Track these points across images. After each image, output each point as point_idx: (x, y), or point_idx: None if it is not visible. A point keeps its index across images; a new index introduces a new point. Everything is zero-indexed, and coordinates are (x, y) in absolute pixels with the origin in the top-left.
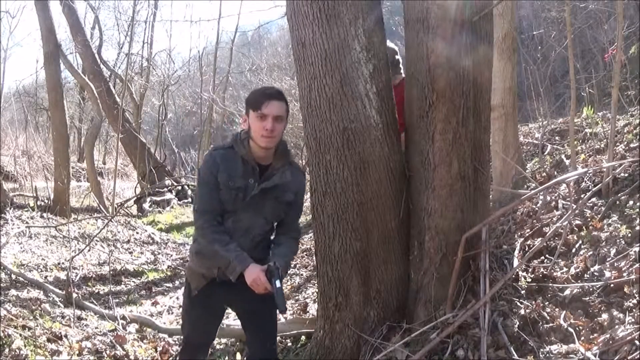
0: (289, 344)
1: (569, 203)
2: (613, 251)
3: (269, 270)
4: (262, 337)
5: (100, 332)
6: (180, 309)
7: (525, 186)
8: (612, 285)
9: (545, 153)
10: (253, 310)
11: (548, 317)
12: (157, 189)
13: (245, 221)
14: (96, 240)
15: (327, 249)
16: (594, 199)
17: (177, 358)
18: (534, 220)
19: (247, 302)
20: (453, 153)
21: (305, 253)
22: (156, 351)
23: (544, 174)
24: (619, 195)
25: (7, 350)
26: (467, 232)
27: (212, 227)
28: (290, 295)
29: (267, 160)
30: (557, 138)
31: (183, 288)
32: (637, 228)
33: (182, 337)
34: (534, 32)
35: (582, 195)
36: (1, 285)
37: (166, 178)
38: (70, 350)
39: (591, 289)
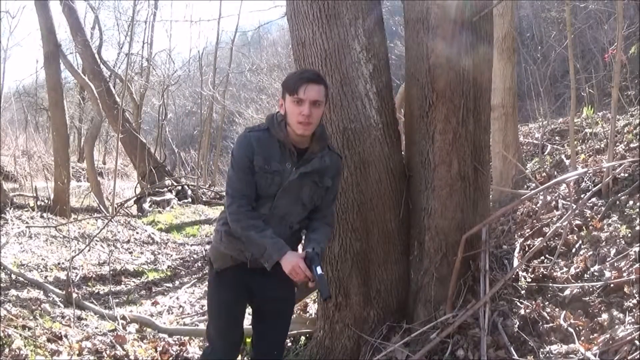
0: (289, 344)
1: (569, 203)
2: (613, 251)
3: (308, 256)
4: (270, 341)
5: (100, 332)
6: (181, 309)
7: (525, 186)
8: (612, 285)
9: (545, 153)
10: (270, 311)
11: (548, 317)
12: (157, 189)
13: (282, 208)
14: (96, 240)
15: (327, 249)
16: (594, 199)
17: (178, 359)
18: (534, 220)
19: (268, 300)
20: (453, 153)
21: None
22: (156, 351)
23: (544, 174)
24: (619, 195)
25: (7, 350)
26: (467, 232)
27: (247, 213)
28: None
29: (304, 143)
30: (557, 138)
31: (207, 275)
32: (637, 228)
33: (205, 338)
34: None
35: (582, 195)
36: (1, 285)
37: (166, 178)
38: (70, 350)
39: (591, 289)
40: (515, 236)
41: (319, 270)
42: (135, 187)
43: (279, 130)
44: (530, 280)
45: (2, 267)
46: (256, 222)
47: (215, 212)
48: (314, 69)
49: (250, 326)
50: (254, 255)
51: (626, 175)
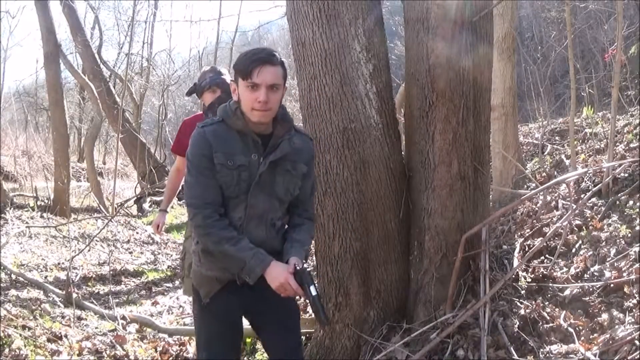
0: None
1: (569, 203)
2: (613, 251)
3: (298, 273)
4: (285, 349)
5: (100, 332)
6: (181, 309)
7: (525, 186)
8: (612, 285)
9: (545, 153)
10: (273, 321)
11: (548, 317)
12: (157, 189)
13: (259, 206)
14: (96, 240)
15: (327, 249)
16: (594, 199)
17: (178, 359)
18: (534, 220)
19: (267, 312)
20: (453, 153)
21: None
22: (156, 351)
23: (544, 174)
24: (619, 195)
25: (7, 350)
26: (467, 232)
27: (215, 224)
28: None
29: (266, 129)
30: (557, 138)
31: (191, 299)
32: (637, 228)
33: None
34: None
35: (582, 195)
36: (1, 285)
37: (166, 178)
38: (70, 350)
39: (591, 289)
40: (515, 236)
41: (313, 290)
42: (135, 187)
43: (235, 120)
44: (530, 280)
45: (2, 267)
46: (229, 233)
47: None
48: (268, 48)
49: (250, 326)
50: (232, 271)
51: (626, 175)
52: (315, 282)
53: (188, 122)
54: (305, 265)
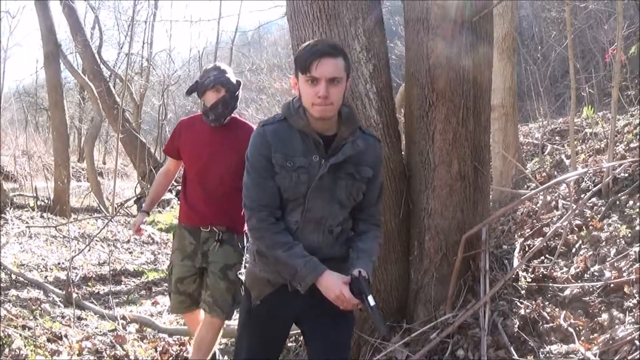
0: (289, 344)
1: (569, 203)
2: (613, 251)
3: (354, 282)
4: None
5: (100, 332)
6: None
7: (525, 186)
8: (612, 285)
9: (545, 153)
10: (323, 333)
11: (548, 317)
12: None
13: (317, 210)
14: (96, 240)
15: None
16: (594, 199)
17: (178, 359)
18: (534, 220)
19: (317, 322)
20: (453, 153)
21: None
22: (156, 351)
23: (544, 174)
24: (619, 195)
25: (7, 350)
26: (467, 232)
27: (270, 227)
28: None
29: (331, 130)
30: (557, 138)
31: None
32: (637, 228)
33: None
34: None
35: (582, 195)
36: (1, 285)
37: None
38: (70, 350)
39: (591, 289)
40: (515, 236)
41: (371, 300)
42: (135, 187)
43: (297, 119)
44: (530, 280)
45: (2, 267)
46: (283, 238)
47: None
48: (328, 39)
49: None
50: (286, 277)
51: (626, 175)
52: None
53: (184, 123)
54: (363, 274)
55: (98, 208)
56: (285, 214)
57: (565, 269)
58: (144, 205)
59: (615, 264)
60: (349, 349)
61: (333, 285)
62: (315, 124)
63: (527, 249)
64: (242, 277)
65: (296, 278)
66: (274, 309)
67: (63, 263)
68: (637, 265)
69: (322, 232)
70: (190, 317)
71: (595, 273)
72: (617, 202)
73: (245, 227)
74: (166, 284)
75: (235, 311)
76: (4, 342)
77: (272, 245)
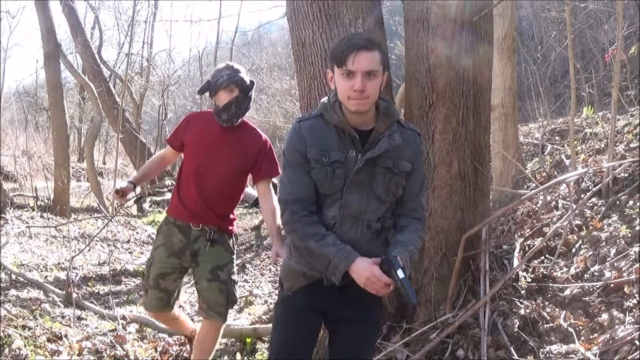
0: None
1: (569, 203)
2: (613, 251)
3: (383, 261)
4: None
5: (100, 332)
6: (180, 309)
7: (525, 186)
8: (612, 285)
9: (545, 153)
10: (347, 334)
11: (548, 317)
12: (157, 189)
13: (355, 205)
14: (96, 240)
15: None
16: (594, 199)
17: (178, 359)
18: (534, 220)
19: (343, 321)
20: (453, 153)
21: None
22: (156, 351)
23: (544, 174)
24: (619, 195)
25: (7, 350)
26: (467, 232)
27: (302, 219)
28: None
29: (367, 124)
30: (557, 138)
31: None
32: (637, 228)
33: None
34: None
35: (582, 195)
36: (1, 285)
37: (166, 178)
38: (70, 350)
39: (591, 289)
40: (515, 236)
41: (400, 273)
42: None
43: (333, 113)
44: (530, 280)
45: (2, 267)
46: (315, 229)
47: None
48: (364, 33)
49: (251, 325)
50: (319, 269)
51: (626, 175)
52: (407, 269)
53: (193, 117)
54: (394, 254)
55: (98, 208)
56: (323, 210)
57: (565, 269)
58: (132, 178)
59: (615, 264)
60: (372, 353)
61: (364, 267)
62: (351, 118)
63: (527, 249)
64: (235, 277)
65: (330, 268)
66: (307, 301)
67: (63, 263)
68: (637, 265)
69: (360, 227)
70: (162, 317)
71: (595, 273)
72: (617, 202)
73: (235, 228)
74: None
75: (229, 311)
76: (4, 342)
77: (304, 236)
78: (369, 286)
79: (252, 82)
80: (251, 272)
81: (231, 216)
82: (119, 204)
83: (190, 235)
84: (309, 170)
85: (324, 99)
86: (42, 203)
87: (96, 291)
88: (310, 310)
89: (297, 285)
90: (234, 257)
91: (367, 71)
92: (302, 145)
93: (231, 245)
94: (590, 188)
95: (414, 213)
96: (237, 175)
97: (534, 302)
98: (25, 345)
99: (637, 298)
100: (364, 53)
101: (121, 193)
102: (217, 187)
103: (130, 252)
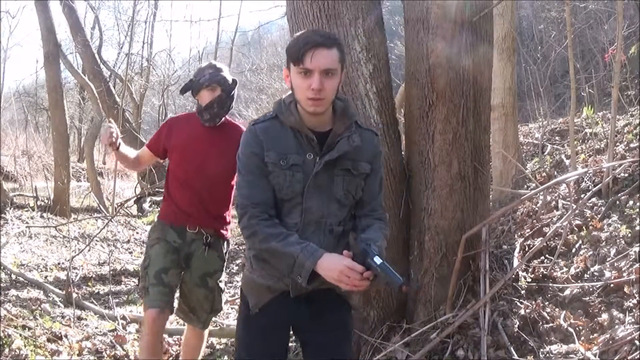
0: (290, 344)
1: (569, 203)
2: (613, 251)
3: (353, 248)
4: None
5: (100, 332)
6: None
7: (525, 186)
8: (612, 285)
9: (545, 153)
10: (321, 344)
11: (548, 317)
12: (157, 189)
13: (316, 210)
14: (96, 240)
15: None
16: (594, 199)
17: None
18: (534, 220)
19: (314, 332)
20: (453, 153)
21: None
22: None
23: (544, 174)
24: (619, 195)
25: (7, 350)
26: (467, 232)
27: (262, 222)
28: None
29: (324, 125)
30: (557, 138)
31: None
32: (637, 228)
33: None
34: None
35: (582, 195)
36: (1, 285)
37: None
38: (70, 350)
39: (591, 289)
40: (515, 236)
41: (377, 260)
42: (135, 187)
43: (289, 115)
44: (530, 280)
45: (2, 267)
46: (276, 230)
47: None
48: (322, 30)
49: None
50: (284, 272)
51: (626, 175)
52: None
53: (173, 122)
54: (363, 240)
55: (98, 208)
56: (283, 216)
57: (565, 269)
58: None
59: (615, 264)
60: (349, 357)
61: (334, 262)
62: (308, 119)
63: (527, 249)
64: (222, 285)
65: (295, 268)
66: (274, 317)
67: (63, 263)
68: (637, 265)
69: (323, 232)
70: (160, 322)
71: (595, 273)
72: (617, 202)
73: (229, 233)
74: None
75: (211, 319)
76: (4, 342)
77: (266, 237)
78: (343, 281)
79: (234, 81)
80: None
81: (227, 218)
82: (119, 204)
83: (186, 237)
84: (266, 174)
85: (277, 101)
86: (42, 203)
87: (96, 291)
88: (278, 326)
89: (263, 301)
90: (224, 264)
91: (325, 69)
92: (258, 149)
93: (224, 252)
94: (590, 188)
95: (375, 213)
96: (227, 173)
97: (534, 302)
98: (25, 345)
99: (637, 298)
100: (323, 50)
101: (115, 137)
102: (209, 187)
103: (130, 252)
